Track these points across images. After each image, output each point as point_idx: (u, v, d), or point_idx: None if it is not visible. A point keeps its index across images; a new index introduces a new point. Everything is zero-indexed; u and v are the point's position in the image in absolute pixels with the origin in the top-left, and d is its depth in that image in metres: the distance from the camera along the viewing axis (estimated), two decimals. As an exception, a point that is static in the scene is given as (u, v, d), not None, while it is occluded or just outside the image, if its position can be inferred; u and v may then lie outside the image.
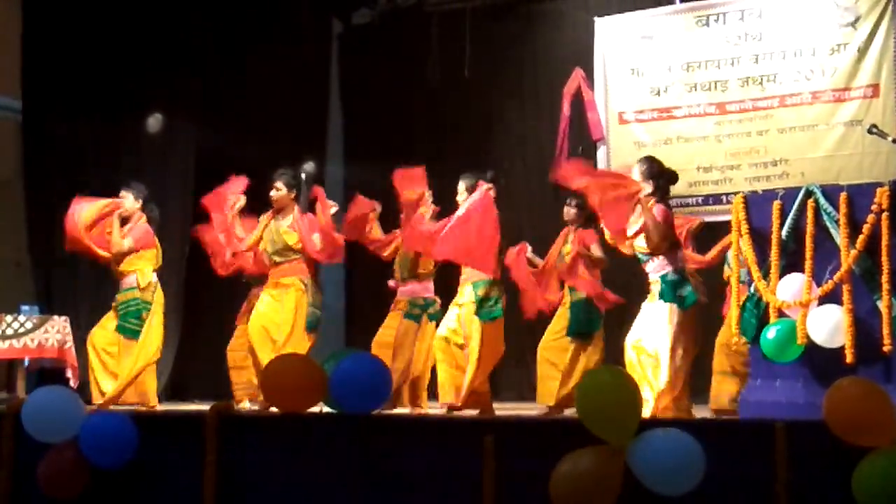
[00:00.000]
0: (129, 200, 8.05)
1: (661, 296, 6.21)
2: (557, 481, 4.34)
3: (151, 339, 7.84)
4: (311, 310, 7.72)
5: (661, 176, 6.41)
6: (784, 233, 5.48)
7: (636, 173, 6.39)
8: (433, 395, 8.03)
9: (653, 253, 6.29)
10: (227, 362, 8.48)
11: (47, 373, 8.56)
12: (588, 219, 7.75)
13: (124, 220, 8.02)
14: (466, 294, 7.38)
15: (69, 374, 8.27)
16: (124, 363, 7.73)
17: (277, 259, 7.78)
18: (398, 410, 7.60)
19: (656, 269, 6.30)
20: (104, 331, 7.89)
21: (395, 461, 4.92)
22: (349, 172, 11.50)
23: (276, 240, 7.78)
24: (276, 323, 7.62)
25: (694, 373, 7.92)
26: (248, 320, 7.89)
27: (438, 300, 7.99)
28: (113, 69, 9.75)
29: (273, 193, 7.82)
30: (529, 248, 7.86)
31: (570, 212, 7.98)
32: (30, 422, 5.20)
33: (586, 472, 4.30)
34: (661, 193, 6.38)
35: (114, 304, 7.96)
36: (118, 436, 5.17)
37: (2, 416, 5.44)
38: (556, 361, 7.82)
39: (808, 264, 5.36)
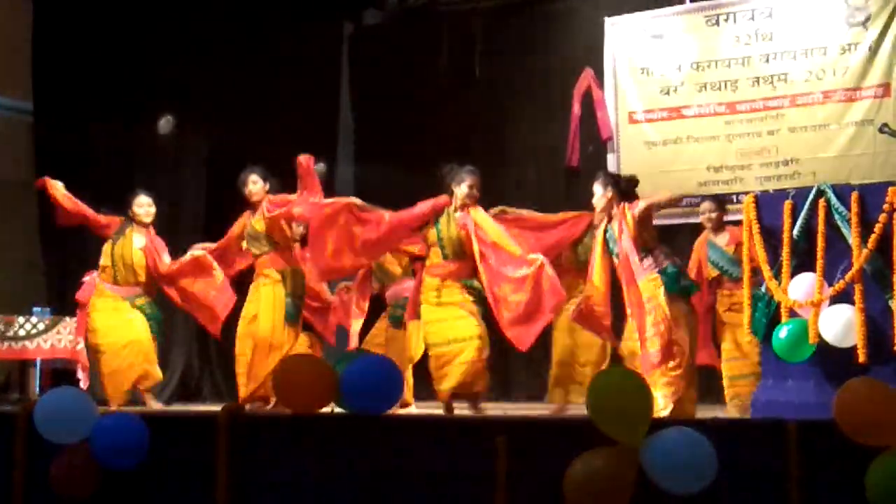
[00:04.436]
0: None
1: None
2: (571, 481, 4.34)
3: None
4: (288, 300, 7.55)
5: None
6: (795, 232, 5.48)
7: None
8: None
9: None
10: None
11: (59, 374, 8.58)
12: None
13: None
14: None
15: (80, 374, 8.29)
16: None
17: (254, 251, 7.70)
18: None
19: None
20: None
21: (406, 462, 4.93)
22: (360, 173, 11.51)
23: (250, 231, 7.70)
24: (253, 317, 7.55)
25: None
26: None
27: None
28: (123, 70, 9.77)
29: (252, 188, 7.71)
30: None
31: None
32: (42, 423, 5.22)
33: (600, 472, 4.30)
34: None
35: None
36: (129, 437, 5.18)
37: (15, 416, 5.45)
38: None
39: (819, 264, 5.36)
